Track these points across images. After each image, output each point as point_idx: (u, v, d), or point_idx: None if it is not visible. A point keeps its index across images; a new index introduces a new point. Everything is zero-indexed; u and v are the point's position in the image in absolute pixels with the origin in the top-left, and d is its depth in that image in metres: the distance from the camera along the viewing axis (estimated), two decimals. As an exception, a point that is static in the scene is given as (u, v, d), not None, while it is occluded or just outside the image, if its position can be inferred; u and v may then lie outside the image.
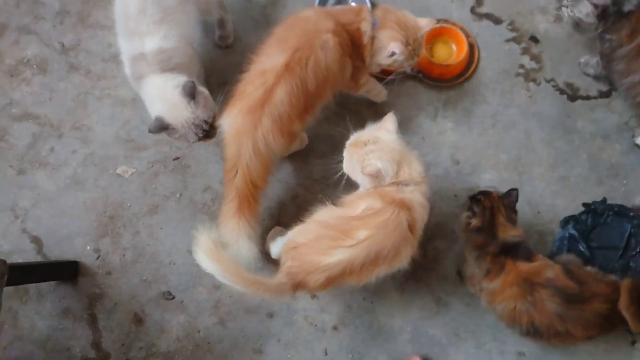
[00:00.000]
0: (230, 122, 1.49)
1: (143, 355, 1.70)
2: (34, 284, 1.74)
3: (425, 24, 1.61)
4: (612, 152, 1.84)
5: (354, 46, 1.58)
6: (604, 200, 1.73)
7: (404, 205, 1.33)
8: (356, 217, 1.35)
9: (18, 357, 1.71)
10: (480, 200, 1.51)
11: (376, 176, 1.36)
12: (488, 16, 1.99)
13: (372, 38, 1.58)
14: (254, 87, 1.47)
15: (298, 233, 1.42)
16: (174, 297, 1.74)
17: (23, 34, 2.00)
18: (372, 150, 1.37)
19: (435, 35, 1.93)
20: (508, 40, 1.96)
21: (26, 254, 1.77)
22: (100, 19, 2.00)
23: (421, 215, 1.38)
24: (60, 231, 1.80)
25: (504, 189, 1.67)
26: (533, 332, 1.48)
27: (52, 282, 1.75)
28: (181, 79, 1.49)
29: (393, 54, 1.56)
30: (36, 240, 1.80)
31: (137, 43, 1.50)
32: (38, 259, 1.78)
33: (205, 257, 1.27)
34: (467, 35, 1.93)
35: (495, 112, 1.89)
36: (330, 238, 1.32)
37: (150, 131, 1.47)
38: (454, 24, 1.94)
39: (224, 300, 1.72)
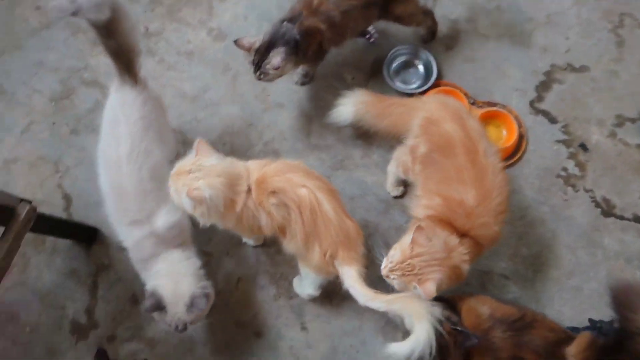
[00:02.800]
0: None
1: (128, 335, 1.75)
2: (52, 238, 1.82)
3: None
4: (632, 276, 1.82)
5: None
6: (611, 322, 1.71)
7: None
8: None
9: (15, 300, 1.78)
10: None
11: (200, 203, 1.34)
12: (545, 113, 2.03)
13: None
14: None
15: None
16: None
17: (116, 10, 2.15)
18: (197, 177, 1.34)
19: (490, 117, 1.98)
20: (558, 141, 1.99)
21: (54, 208, 1.86)
22: (188, 17, 2.14)
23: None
24: (90, 196, 1.88)
25: (516, 282, 1.68)
26: None
27: (68, 241, 1.84)
28: (197, 263, 1.51)
29: None
30: (67, 198, 1.89)
31: (143, 226, 1.44)
32: (63, 215, 1.87)
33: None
34: (520, 125, 1.98)
35: (528, 205, 1.90)
36: None
37: (146, 308, 1.41)
38: (510, 111, 1.99)
39: (220, 307, 1.75)
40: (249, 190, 1.44)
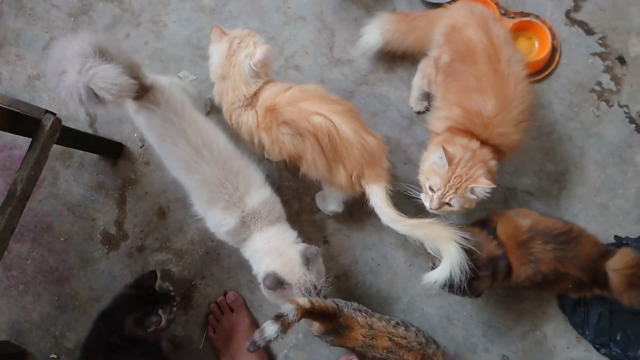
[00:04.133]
0: None
1: (157, 246, 1.81)
2: (79, 152, 1.86)
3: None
4: (663, 194, 1.78)
5: None
6: (638, 239, 1.70)
7: None
8: None
9: (48, 212, 1.85)
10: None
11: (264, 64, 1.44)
12: (581, 24, 1.91)
13: None
14: None
15: None
16: (199, 203, 1.83)
17: None
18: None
19: (522, 29, 1.88)
20: (594, 54, 1.89)
21: (79, 124, 1.88)
22: None
23: None
24: (114, 112, 1.90)
25: (540, 198, 1.66)
26: (547, 281, 1.45)
27: (94, 156, 1.87)
28: (293, 234, 1.46)
29: None
30: (90, 115, 1.91)
31: (236, 209, 1.39)
32: (89, 131, 1.89)
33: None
34: (554, 37, 1.87)
35: (556, 121, 1.84)
36: None
37: (268, 287, 1.35)
38: (544, 22, 1.88)
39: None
40: (247, 106, 1.45)
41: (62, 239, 1.84)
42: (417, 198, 1.47)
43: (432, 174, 1.39)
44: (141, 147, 1.88)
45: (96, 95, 1.14)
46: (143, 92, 1.34)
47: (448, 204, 1.38)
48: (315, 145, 1.39)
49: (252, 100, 1.46)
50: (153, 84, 1.37)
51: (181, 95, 1.48)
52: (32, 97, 1.93)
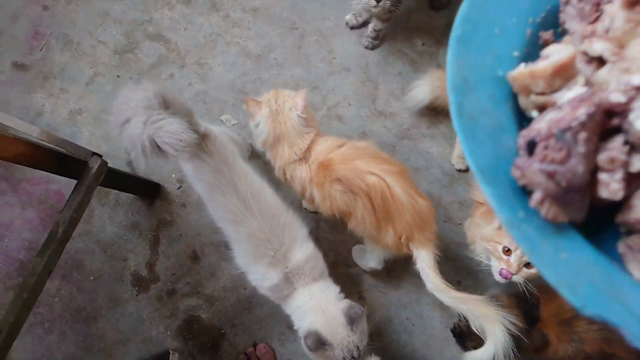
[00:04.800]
0: None
1: (188, 291, 1.78)
2: (115, 190, 1.85)
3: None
4: None
5: None
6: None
7: None
8: None
9: (81, 249, 1.82)
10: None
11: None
12: None
13: None
14: None
15: None
16: (233, 250, 1.80)
17: (181, -38, 2.10)
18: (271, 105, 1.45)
19: None
20: None
21: (117, 162, 1.88)
22: (255, -28, 2.07)
23: None
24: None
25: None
26: None
27: (130, 195, 1.86)
28: (336, 289, 1.42)
29: None
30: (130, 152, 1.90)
31: (281, 264, 1.36)
32: (127, 169, 1.88)
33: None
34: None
35: None
36: None
37: (309, 347, 1.29)
38: None
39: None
40: (301, 160, 1.44)
41: (92, 277, 1.81)
42: (485, 268, 1.40)
43: (503, 235, 1.32)
44: (178, 189, 1.86)
45: (159, 148, 1.13)
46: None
47: (528, 264, 1.30)
48: (367, 204, 1.37)
49: (305, 154, 1.45)
50: (206, 133, 1.36)
51: (231, 145, 1.47)
52: (73, 132, 1.93)
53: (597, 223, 0.36)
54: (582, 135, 0.32)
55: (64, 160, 1.43)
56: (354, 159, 1.39)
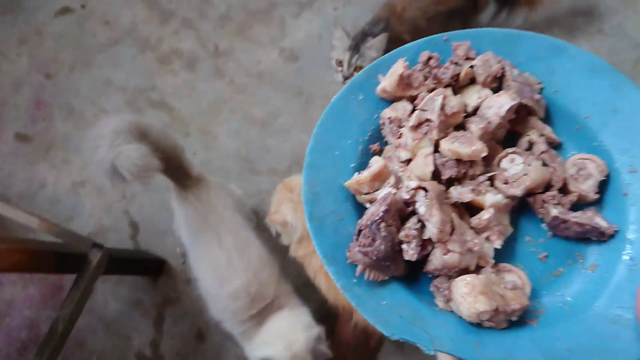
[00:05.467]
0: None
1: (193, 372, 1.71)
2: (118, 266, 1.80)
3: None
4: None
5: None
6: None
7: None
8: None
9: (83, 327, 1.77)
10: None
11: (283, 225, 1.27)
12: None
13: None
14: None
15: None
16: (240, 329, 1.74)
17: (185, 26, 2.06)
18: (290, 199, 1.29)
19: None
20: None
21: (121, 235, 1.83)
22: (259, 35, 2.03)
23: None
24: (157, 224, 1.84)
25: None
26: None
27: (134, 270, 1.81)
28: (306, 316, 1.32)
29: None
30: (134, 226, 1.85)
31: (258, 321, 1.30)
32: (130, 243, 1.83)
33: None
34: None
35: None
36: None
37: None
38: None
39: None
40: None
41: (94, 356, 1.75)
42: None
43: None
44: (183, 264, 1.81)
45: (119, 172, 1.11)
46: (187, 182, 1.31)
47: None
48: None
49: None
50: (200, 177, 1.34)
51: (225, 196, 1.40)
52: (75, 204, 1.89)
53: (420, 272, 0.52)
54: (382, 225, 0.47)
55: (62, 259, 1.39)
56: None
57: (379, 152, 0.59)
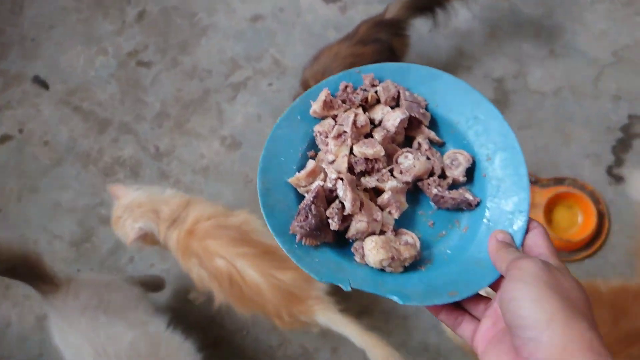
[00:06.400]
0: None
1: None
2: None
3: None
4: None
5: None
6: None
7: None
8: None
9: None
10: None
11: (144, 235, 1.39)
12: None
13: None
14: None
15: None
16: None
17: (123, 132, 2.00)
18: (124, 219, 1.42)
19: (558, 199, 1.65)
20: (650, 213, 1.63)
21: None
22: (198, 127, 1.95)
23: None
24: None
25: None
26: None
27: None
28: None
29: None
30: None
31: None
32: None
33: None
34: (597, 202, 1.63)
35: (622, 304, 1.57)
36: None
37: None
38: (582, 187, 1.65)
39: None
40: (174, 221, 1.42)
41: None
42: None
43: None
44: None
45: None
46: (51, 286, 1.37)
47: None
48: (217, 287, 1.34)
49: (179, 215, 1.43)
50: (72, 279, 1.39)
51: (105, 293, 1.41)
52: (42, 339, 1.83)
53: (344, 239, 0.70)
54: (313, 207, 0.66)
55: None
56: (210, 237, 1.34)
57: (314, 157, 0.77)
